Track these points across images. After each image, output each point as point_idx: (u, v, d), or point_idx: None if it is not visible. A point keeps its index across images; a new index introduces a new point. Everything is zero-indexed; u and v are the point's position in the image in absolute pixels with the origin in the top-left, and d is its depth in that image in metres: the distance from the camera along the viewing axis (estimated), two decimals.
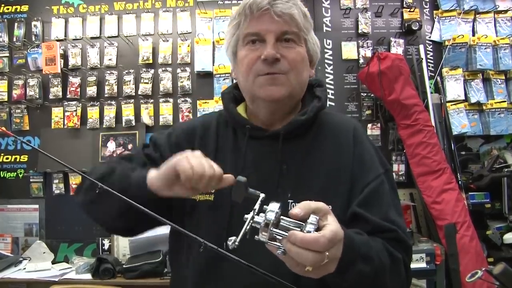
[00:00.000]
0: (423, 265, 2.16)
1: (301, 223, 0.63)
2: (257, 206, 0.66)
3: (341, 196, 0.89)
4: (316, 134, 0.96)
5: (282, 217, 0.63)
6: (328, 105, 2.66)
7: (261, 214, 0.63)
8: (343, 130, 0.97)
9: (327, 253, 0.62)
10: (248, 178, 0.73)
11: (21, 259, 2.50)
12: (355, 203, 0.88)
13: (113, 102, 2.73)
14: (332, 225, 0.64)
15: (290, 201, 0.88)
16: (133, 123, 2.69)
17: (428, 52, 2.74)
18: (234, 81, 1.05)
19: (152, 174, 0.81)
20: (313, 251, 0.60)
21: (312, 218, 0.62)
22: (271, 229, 0.62)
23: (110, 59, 2.75)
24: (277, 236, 0.62)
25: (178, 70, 2.73)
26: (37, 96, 2.75)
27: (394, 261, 0.82)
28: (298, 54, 0.91)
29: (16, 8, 2.85)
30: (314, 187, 0.89)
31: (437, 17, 2.75)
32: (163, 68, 2.74)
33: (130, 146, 2.68)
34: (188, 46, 2.74)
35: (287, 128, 0.93)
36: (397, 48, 2.71)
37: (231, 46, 0.97)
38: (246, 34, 0.92)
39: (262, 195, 0.68)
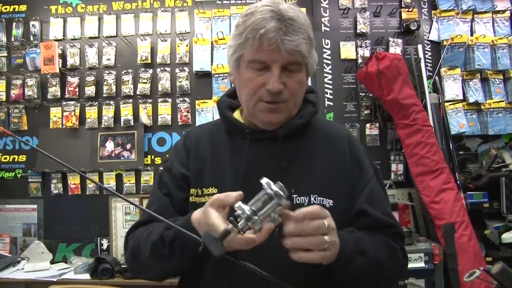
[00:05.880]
0: (421, 264, 2.16)
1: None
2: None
3: (341, 193, 0.97)
4: (311, 137, 1.04)
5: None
6: (326, 105, 2.72)
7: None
8: (337, 136, 1.06)
9: (326, 222, 0.76)
10: (251, 177, 0.86)
11: (20, 259, 2.50)
12: (360, 200, 0.97)
13: (111, 102, 2.73)
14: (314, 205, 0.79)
15: (295, 195, 0.94)
16: (132, 123, 2.69)
17: (426, 52, 2.75)
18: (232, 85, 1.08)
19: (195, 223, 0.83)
20: (314, 220, 0.75)
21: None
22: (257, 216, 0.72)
23: (108, 59, 2.75)
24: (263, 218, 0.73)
25: (177, 70, 2.73)
26: (36, 96, 2.74)
27: (393, 251, 0.95)
28: (298, 82, 0.95)
29: (14, 8, 2.84)
30: (314, 183, 0.96)
31: (435, 17, 2.76)
32: (162, 68, 2.74)
33: (128, 146, 2.68)
34: (187, 46, 2.74)
35: (285, 130, 0.99)
36: (396, 48, 2.72)
37: (234, 58, 0.97)
38: (252, 60, 0.93)
39: (233, 228, 0.72)
